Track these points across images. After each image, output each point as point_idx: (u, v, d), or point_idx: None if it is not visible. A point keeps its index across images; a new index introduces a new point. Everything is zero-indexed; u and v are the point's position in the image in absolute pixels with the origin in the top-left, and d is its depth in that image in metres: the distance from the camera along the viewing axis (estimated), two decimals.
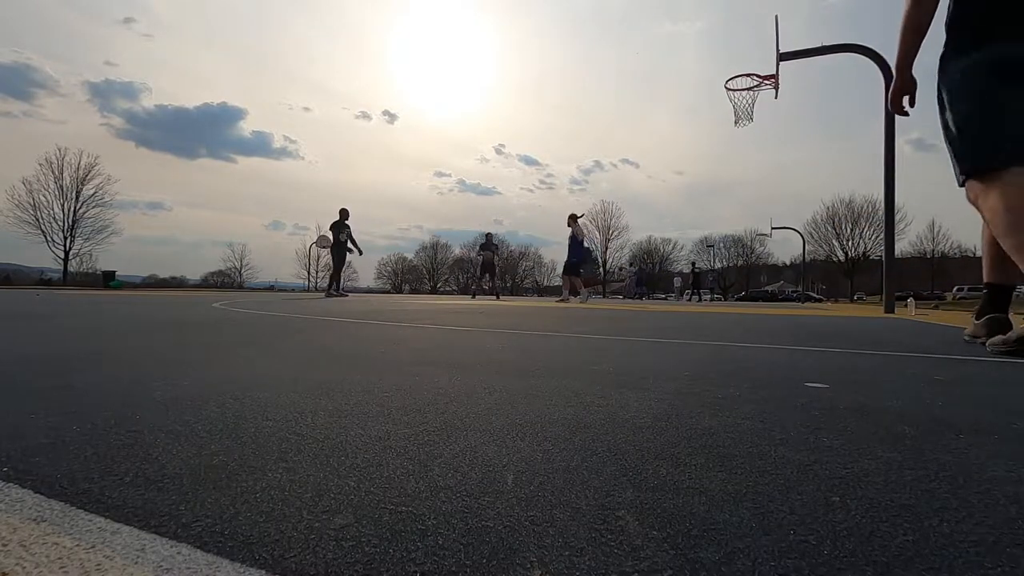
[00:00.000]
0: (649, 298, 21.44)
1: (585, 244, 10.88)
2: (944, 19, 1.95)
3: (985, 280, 2.19)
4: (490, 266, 13.35)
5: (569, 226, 10.65)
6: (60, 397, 0.92)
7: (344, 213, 10.96)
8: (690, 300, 20.93)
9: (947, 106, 1.92)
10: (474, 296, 13.43)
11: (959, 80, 1.87)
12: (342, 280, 11.18)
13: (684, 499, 0.52)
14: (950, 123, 1.91)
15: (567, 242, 10.67)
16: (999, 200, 1.72)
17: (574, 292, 10.47)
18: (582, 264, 10.86)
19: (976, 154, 1.83)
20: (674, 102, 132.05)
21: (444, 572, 0.38)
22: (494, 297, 13.21)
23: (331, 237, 10.98)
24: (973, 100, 1.83)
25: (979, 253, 2.24)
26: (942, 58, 1.96)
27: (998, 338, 1.91)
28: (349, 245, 11.05)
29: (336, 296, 10.50)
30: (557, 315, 4.37)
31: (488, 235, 13.70)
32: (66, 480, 0.54)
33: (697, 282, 22.53)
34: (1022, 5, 1.76)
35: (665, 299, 21.92)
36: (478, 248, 13.92)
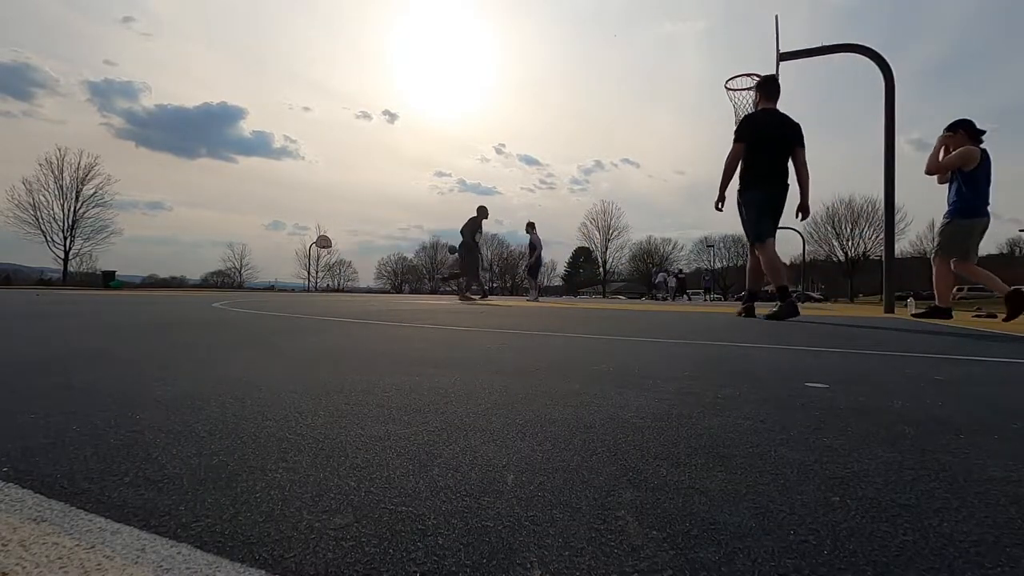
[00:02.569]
0: (652, 298, 22.26)
1: (537, 248, 11.59)
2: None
3: (748, 288, 4.74)
4: (475, 263, 12.89)
5: (528, 232, 11.51)
6: (60, 397, 0.92)
7: (484, 211, 9.92)
8: (675, 299, 23.10)
9: (744, 211, 4.45)
10: (485, 295, 13.04)
11: (748, 201, 4.38)
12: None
13: (684, 499, 0.52)
14: (744, 220, 4.47)
15: (529, 246, 11.61)
16: (763, 254, 4.29)
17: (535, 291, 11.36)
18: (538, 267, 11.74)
19: (752, 236, 4.40)
20: (675, 102, 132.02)
21: (444, 572, 0.38)
22: (479, 297, 12.41)
23: (469, 239, 9.85)
24: (752, 212, 4.36)
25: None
26: (739, 189, 4.45)
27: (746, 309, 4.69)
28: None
29: (477, 298, 9.64)
30: (557, 315, 4.37)
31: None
32: (66, 480, 0.54)
33: (681, 286, 26.69)
34: (764, 174, 4.29)
35: (689, 299, 22.90)
36: (469, 248, 13.36)
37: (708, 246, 57.24)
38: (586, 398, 0.99)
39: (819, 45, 7.47)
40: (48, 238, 35.01)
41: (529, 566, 0.39)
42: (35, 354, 1.49)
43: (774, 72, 7.49)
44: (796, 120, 4.33)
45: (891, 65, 6.77)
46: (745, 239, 4.57)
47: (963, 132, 4.60)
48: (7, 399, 0.91)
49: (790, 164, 4.32)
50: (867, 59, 6.99)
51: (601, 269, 57.13)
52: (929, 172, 4.79)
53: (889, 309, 6.60)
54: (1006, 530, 0.46)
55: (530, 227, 11.49)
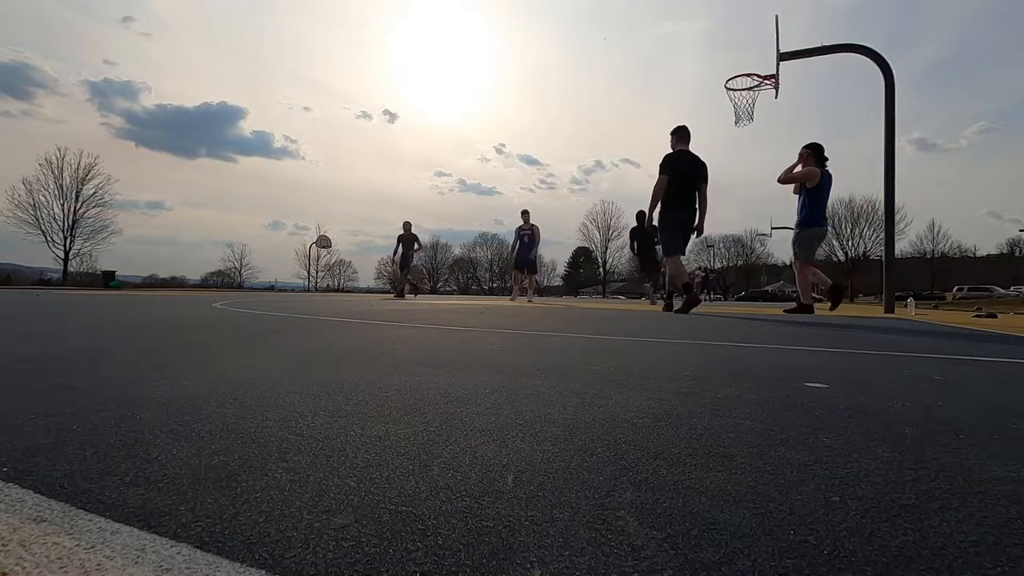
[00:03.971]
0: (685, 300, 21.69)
1: (524, 241, 10.30)
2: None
3: (668, 287, 7.25)
4: (409, 259, 11.71)
5: (531, 223, 10.26)
6: (60, 397, 0.92)
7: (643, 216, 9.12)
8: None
9: (661, 229, 5.65)
10: (403, 295, 11.86)
11: (665, 221, 5.50)
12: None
13: (684, 499, 0.52)
14: (660, 236, 5.96)
15: (528, 237, 10.23)
16: (672, 264, 5.70)
17: (531, 290, 10.21)
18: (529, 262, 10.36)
19: (665, 250, 5.79)
20: (675, 102, 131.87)
21: (444, 572, 0.38)
22: (398, 295, 11.66)
23: (643, 241, 9.47)
24: (667, 230, 5.56)
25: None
26: (659, 212, 5.51)
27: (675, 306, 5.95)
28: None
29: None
30: (556, 315, 4.37)
31: (407, 224, 11.70)
32: (66, 480, 0.54)
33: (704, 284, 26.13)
34: (679, 201, 5.40)
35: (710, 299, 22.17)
36: (399, 240, 11.67)
37: (708, 246, 57.24)
38: (586, 398, 0.99)
39: (819, 45, 7.48)
40: (48, 238, 35.00)
41: (529, 566, 0.39)
42: (35, 354, 1.49)
43: (774, 72, 7.50)
44: (704, 160, 5.49)
45: (891, 65, 6.77)
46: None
47: (811, 153, 5.57)
48: (7, 399, 0.91)
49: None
50: (867, 59, 6.99)
51: (601, 269, 57.14)
52: (780, 181, 5.83)
53: (889, 309, 6.60)
54: (1006, 530, 0.46)
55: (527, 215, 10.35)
